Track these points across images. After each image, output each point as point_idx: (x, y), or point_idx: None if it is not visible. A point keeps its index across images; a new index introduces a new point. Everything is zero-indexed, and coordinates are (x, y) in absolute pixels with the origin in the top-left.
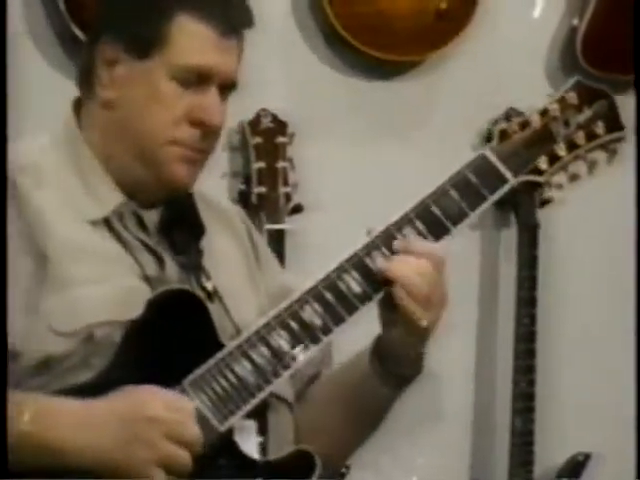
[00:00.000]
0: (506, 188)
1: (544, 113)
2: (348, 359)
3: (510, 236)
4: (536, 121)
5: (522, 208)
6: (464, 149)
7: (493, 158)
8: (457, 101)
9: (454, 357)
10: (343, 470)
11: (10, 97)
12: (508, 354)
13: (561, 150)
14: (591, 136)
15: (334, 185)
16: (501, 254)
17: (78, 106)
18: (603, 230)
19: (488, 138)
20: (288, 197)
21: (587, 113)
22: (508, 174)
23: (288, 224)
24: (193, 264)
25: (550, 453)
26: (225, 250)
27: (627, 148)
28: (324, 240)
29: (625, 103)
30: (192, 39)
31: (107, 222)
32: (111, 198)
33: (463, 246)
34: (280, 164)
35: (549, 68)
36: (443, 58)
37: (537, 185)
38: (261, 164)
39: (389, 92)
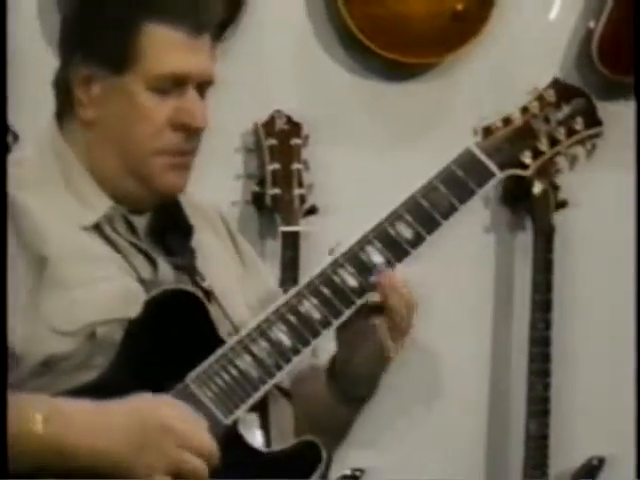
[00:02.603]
0: (493, 182)
1: (524, 110)
2: (307, 371)
3: (525, 240)
4: (517, 118)
5: (537, 211)
6: None
7: (478, 153)
8: (473, 103)
9: (469, 360)
10: (357, 474)
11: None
12: (523, 358)
13: (543, 145)
14: (571, 132)
15: (348, 187)
16: (516, 258)
17: (60, 119)
18: (619, 233)
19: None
20: (302, 199)
21: (565, 110)
22: (494, 168)
23: (302, 226)
24: (187, 264)
25: (565, 457)
26: (213, 249)
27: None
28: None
29: None
30: (162, 46)
31: (98, 228)
32: (100, 204)
33: (478, 250)
34: (295, 166)
35: (565, 70)
36: (459, 60)
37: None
38: (276, 166)
39: (405, 94)
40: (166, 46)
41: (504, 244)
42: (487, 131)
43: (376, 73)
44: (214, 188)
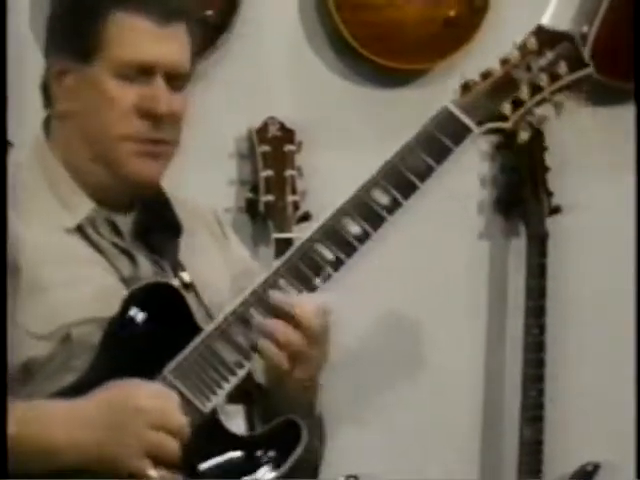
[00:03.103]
0: (470, 137)
1: (505, 62)
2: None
3: (519, 245)
4: (497, 70)
5: (531, 217)
6: (473, 156)
7: (455, 110)
8: None
9: (462, 366)
10: None
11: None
12: (517, 364)
13: (524, 94)
14: (554, 77)
15: (342, 193)
16: (510, 264)
17: (47, 125)
18: (612, 238)
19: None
20: (296, 205)
21: (549, 56)
22: (471, 124)
23: (296, 233)
24: (168, 259)
25: (559, 463)
26: (205, 248)
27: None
28: None
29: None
30: (129, 34)
31: (80, 230)
32: (82, 206)
33: (472, 256)
34: (288, 172)
35: None
36: (452, 66)
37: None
38: (269, 172)
39: (397, 100)
40: (132, 34)
41: (498, 250)
42: (465, 87)
43: (369, 79)
44: (207, 194)
